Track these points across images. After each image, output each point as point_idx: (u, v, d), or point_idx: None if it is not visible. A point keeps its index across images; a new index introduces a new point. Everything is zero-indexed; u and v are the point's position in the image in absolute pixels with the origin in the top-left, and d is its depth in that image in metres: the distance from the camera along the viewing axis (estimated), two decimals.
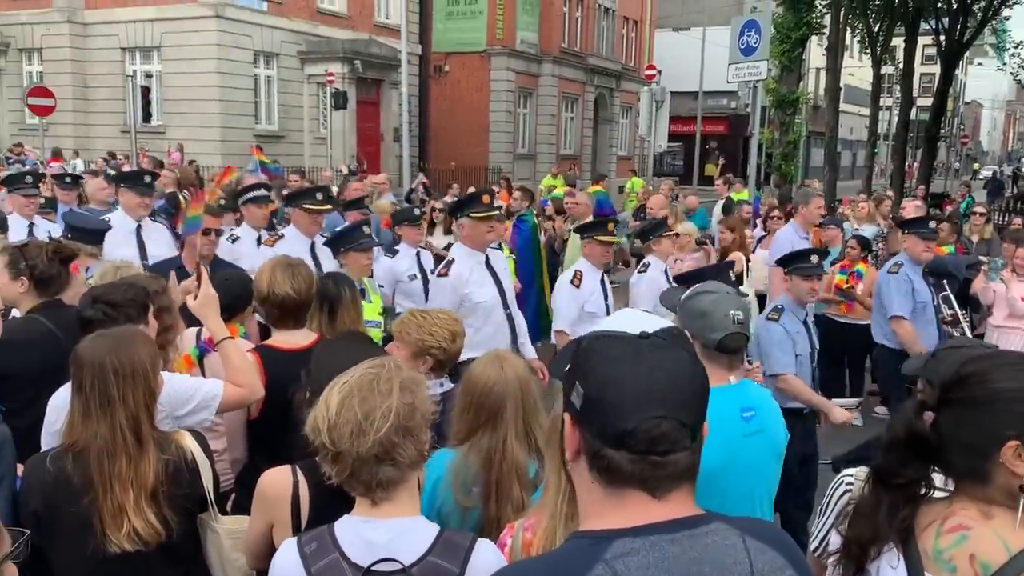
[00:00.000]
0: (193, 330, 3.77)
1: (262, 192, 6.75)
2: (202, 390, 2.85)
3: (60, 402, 2.58)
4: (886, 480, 1.77)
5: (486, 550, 1.89)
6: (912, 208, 9.48)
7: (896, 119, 31.69)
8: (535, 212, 10.96)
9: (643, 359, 1.32)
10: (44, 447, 2.64)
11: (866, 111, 34.60)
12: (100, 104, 24.84)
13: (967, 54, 34.72)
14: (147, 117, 21.95)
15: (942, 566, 1.67)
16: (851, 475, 2.36)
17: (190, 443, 2.49)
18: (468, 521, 2.39)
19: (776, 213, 9.13)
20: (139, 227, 6.07)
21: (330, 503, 2.16)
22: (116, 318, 2.83)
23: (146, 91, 22.13)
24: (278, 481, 2.23)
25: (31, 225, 6.51)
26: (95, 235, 5.27)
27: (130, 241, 5.93)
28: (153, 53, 24.18)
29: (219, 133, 22.97)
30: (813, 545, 2.46)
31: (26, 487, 2.37)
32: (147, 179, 6.31)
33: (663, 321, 1.49)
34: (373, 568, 1.77)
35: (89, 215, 6.72)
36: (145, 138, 21.89)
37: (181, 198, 9.95)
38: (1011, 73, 43.11)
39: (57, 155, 19.82)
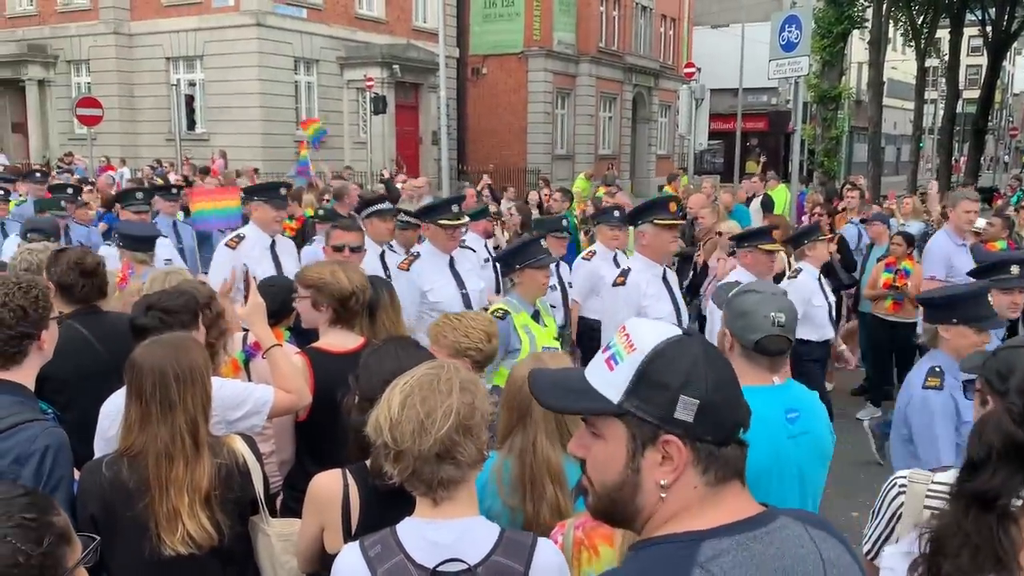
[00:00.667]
0: (239, 334, 3.83)
1: (387, 205, 6.48)
2: (254, 395, 2.89)
3: (113, 409, 2.63)
4: (990, 501, 1.62)
5: (548, 549, 1.90)
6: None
7: (941, 113, 31.10)
8: (575, 213, 10.97)
9: (710, 355, 1.33)
10: (98, 453, 2.69)
11: (910, 105, 33.97)
12: (146, 113, 25.37)
13: (1015, 44, 33.89)
14: (191, 125, 22.43)
15: None
16: (905, 477, 2.32)
17: (241, 447, 2.54)
18: (516, 522, 2.40)
19: (819, 210, 8.99)
20: (273, 242, 5.67)
21: (380, 507, 2.18)
22: (171, 324, 2.89)
23: (190, 99, 22.60)
24: (329, 485, 2.25)
25: None
26: (145, 242, 5.38)
27: (266, 257, 5.57)
28: (196, 62, 24.63)
29: (261, 139, 23.32)
30: (866, 548, 2.43)
31: (82, 492, 2.41)
32: (283, 191, 5.85)
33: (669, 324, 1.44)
34: (439, 569, 1.78)
35: (140, 223, 6.86)
36: (189, 146, 22.30)
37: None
38: None
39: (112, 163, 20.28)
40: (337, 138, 25.61)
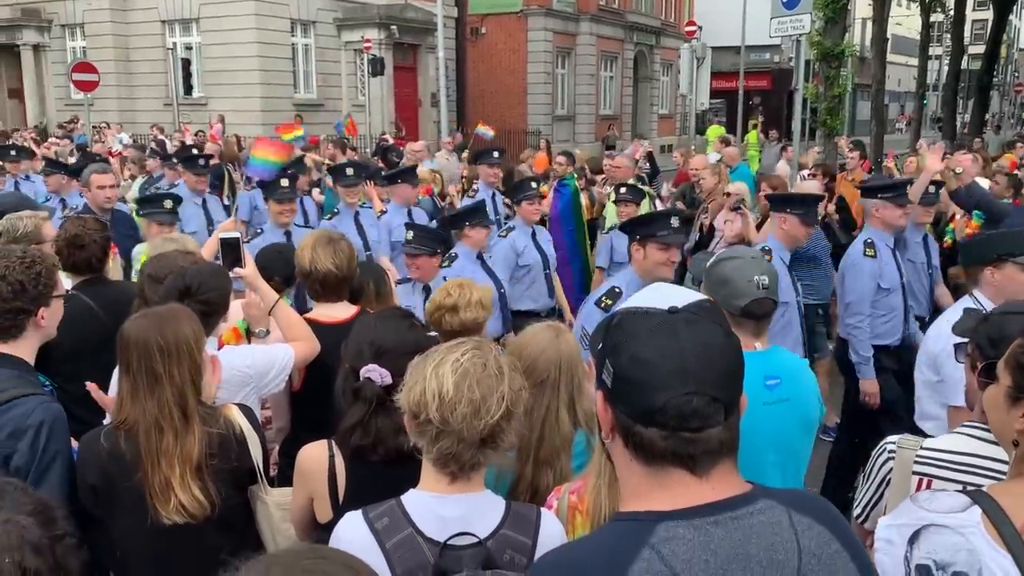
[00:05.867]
0: (238, 302, 3.83)
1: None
2: (279, 355, 3.00)
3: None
4: None
5: (551, 521, 1.91)
6: (967, 162, 9.16)
7: (946, 69, 30.72)
8: (576, 176, 10.88)
9: (674, 334, 1.30)
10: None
11: (914, 61, 33.56)
12: (142, 78, 25.15)
13: None
14: (188, 90, 22.20)
15: None
16: (894, 443, 2.34)
17: (238, 416, 2.54)
18: (502, 481, 2.40)
19: (814, 171, 8.86)
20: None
21: (367, 475, 2.22)
22: (211, 314, 2.92)
23: (187, 64, 22.35)
24: (314, 456, 2.27)
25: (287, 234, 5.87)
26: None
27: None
28: (192, 25, 24.35)
29: (259, 103, 23.14)
30: (856, 512, 2.46)
31: (81, 462, 2.44)
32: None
33: (694, 294, 1.45)
34: (450, 543, 1.76)
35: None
36: (187, 110, 22.16)
37: (226, 172, 10.20)
38: None
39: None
40: (335, 100, 25.40)
